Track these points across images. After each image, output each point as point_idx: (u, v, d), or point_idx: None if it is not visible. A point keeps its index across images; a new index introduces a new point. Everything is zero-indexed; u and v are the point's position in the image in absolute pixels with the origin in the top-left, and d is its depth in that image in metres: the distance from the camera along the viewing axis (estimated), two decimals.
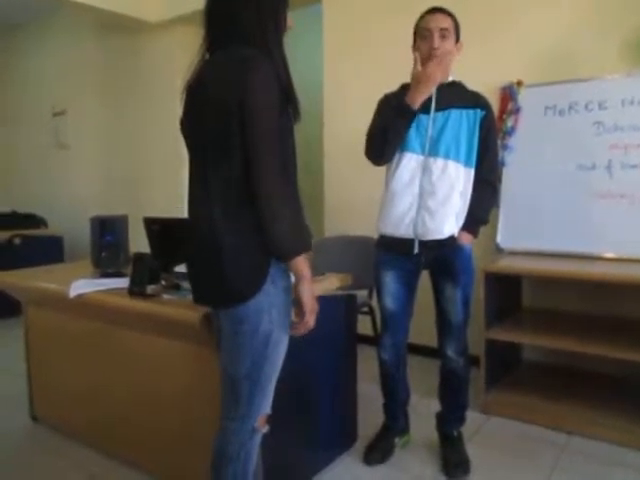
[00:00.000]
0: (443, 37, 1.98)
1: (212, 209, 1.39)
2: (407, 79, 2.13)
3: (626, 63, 2.74)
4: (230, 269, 1.37)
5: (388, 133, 2.01)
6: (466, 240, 2.09)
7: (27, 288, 2.45)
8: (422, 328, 2.57)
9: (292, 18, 1.49)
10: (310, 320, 1.44)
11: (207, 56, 1.47)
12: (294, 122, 1.45)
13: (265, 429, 1.52)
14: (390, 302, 2.17)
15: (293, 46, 4.70)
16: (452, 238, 2.06)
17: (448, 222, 2.04)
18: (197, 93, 1.44)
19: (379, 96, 2.20)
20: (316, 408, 2.12)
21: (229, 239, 1.37)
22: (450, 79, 2.09)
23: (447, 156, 2.02)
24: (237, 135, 1.33)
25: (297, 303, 1.43)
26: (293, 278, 1.43)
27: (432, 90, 1.98)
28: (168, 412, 2.05)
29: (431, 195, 2.03)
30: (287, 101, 1.39)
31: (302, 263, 1.39)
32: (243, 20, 1.38)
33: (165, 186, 4.68)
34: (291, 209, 1.35)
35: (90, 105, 5.36)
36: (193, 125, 1.46)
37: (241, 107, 1.31)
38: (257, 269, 1.38)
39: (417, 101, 1.96)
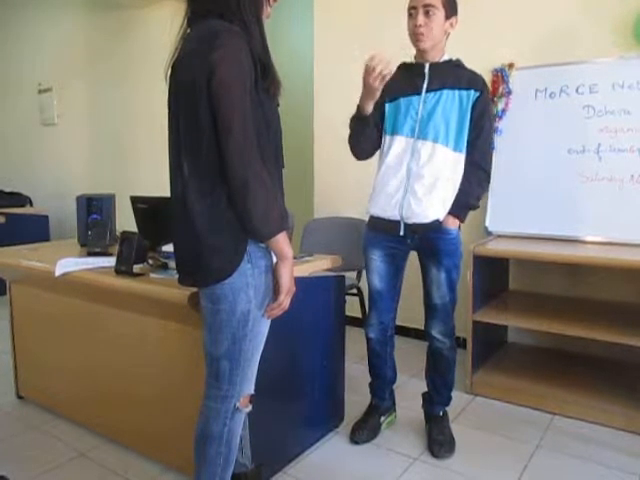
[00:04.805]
0: (427, 14, 1.94)
1: (187, 188, 1.37)
2: (399, 60, 2.11)
3: (618, 47, 2.73)
4: (205, 249, 1.37)
5: (352, 132, 2.08)
6: (452, 224, 2.07)
7: (12, 266, 2.41)
8: (412, 310, 2.59)
9: None
10: (285, 301, 1.44)
11: (188, 31, 1.44)
12: (275, 98, 1.43)
13: (248, 409, 1.53)
14: (377, 281, 2.18)
15: (285, 29, 4.60)
16: (437, 222, 2.05)
17: (434, 206, 2.03)
18: (175, 69, 1.42)
19: None
20: (304, 387, 2.13)
21: (203, 219, 1.36)
22: (446, 57, 2.05)
23: (435, 139, 2.00)
24: (207, 112, 1.30)
25: (275, 283, 1.42)
26: (275, 258, 1.42)
27: (375, 96, 1.90)
28: (154, 390, 2.05)
29: (418, 179, 2.02)
30: (264, 77, 1.37)
31: (283, 242, 1.37)
32: None
33: (154, 165, 4.62)
34: (266, 188, 1.31)
35: (77, 82, 5.26)
36: (171, 102, 1.44)
37: (209, 82, 1.29)
38: (233, 249, 1.37)
39: (364, 108, 1.97)
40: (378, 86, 1.84)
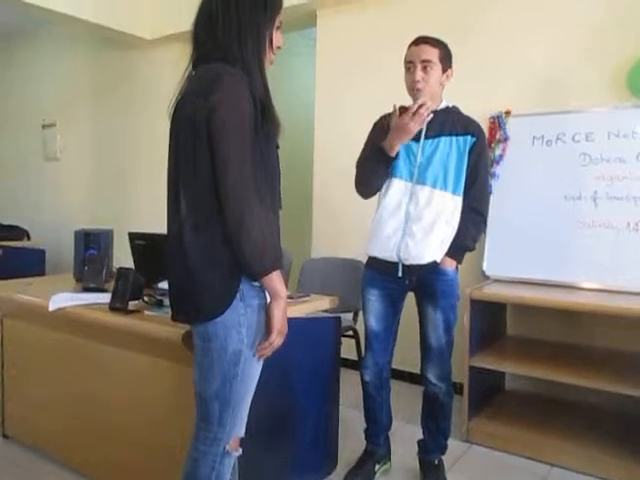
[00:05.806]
0: (425, 69, 1.99)
1: (183, 225, 1.38)
2: (399, 102, 2.15)
3: (613, 96, 2.79)
4: (198, 285, 1.37)
5: (366, 171, 2.10)
6: (449, 265, 2.08)
7: (5, 300, 2.39)
8: (408, 353, 2.55)
9: (281, 39, 1.51)
10: (276, 341, 1.42)
11: (193, 73, 1.48)
12: (274, 139, 1.45)
13: (238, 452, 1.49)
14: (374, 322, 2.17)
15: (287, 70, 4.69)
16: (434, 263, 2.05)
17: (431, 248, 2.04)
18: (177, 109, 1.45)
19: (371, 119, 2.22)
20: (297, 432, 2.08)
21: (197, 255, 1.36)
22: (443, 105, 2.10)
23: (434, 185, 2.03)
24: (206, 151, 1.33)
25: (267, 322, 1.41)
26: (269, 297, 1.41)
27: (408, 139, 1.99)
28: (145, 431, 1.99)
29: (416, 221, 2.04)
30: (264, 119, 1.39)
31: (277, 281, 1.37)
32: (223, 37, 1.40)
33: (153, 202, 4.64)
34: (261, 227, 1.32)
35: (81, 118, 5.34)
36: (172, 140, 1.47)
37: (209, 123, 1.32)
38: (226, 286, 1.37)
39: (394, 148, 2.00)
40: (417, 128, 1.95)
